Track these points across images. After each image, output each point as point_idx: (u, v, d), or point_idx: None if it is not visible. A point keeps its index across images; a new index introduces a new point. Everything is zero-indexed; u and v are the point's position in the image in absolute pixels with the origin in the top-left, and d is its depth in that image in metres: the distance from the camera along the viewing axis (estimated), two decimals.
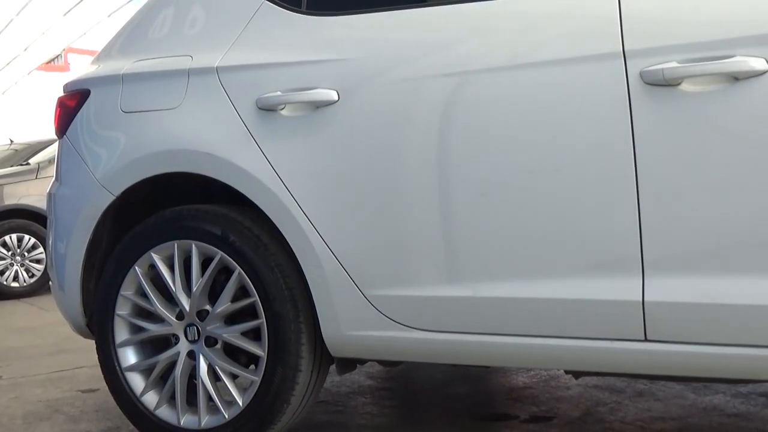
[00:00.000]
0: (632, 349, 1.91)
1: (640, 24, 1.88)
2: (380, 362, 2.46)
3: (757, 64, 1.74)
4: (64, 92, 2.82)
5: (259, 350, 2.35)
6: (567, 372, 2.18)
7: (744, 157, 1.77)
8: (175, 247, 2.45)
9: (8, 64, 21.74)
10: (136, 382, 2.56)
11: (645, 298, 1.87)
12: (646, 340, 1.89)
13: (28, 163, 7.91)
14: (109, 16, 17.12)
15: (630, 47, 1.87)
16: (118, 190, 2.54)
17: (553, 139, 1.97)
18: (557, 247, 1.97)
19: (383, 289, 2.18)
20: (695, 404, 2.68)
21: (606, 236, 1.91)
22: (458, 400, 2.99)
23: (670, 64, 1.80)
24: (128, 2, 15.33)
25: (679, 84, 1.81)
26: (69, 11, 16.99)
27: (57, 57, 24.73)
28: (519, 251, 2.02)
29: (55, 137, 2.87)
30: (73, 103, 2.76)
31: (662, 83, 1.82)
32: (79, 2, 16.27)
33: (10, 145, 10.31)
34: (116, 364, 2.58)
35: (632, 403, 2.72)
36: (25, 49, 20.26)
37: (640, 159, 1.85)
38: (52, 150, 7.86)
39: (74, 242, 2.65)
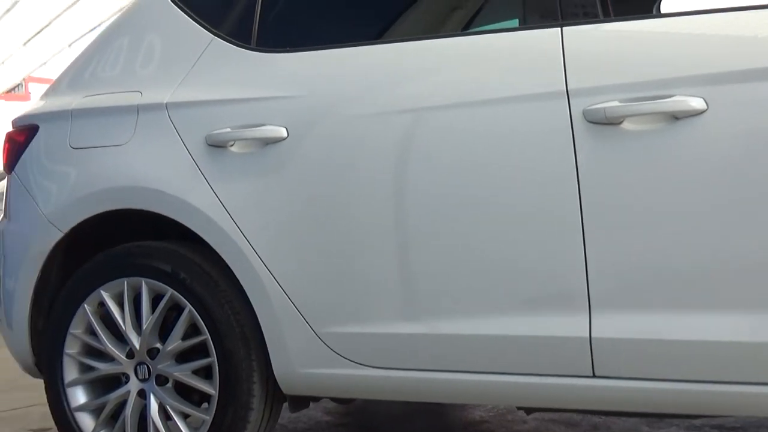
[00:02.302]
0: (581, 385, 1.92)
1: (583, 63, 1.91)
2: (334, 399, 2.44)
3: (696, 103, 1.77)
4: (13, 127, 2.78)
5: (211, 388, 2.32)
6: (519, 408, 2.18)
7: (685, 195, 1.80)
8: (125, 284, 2.42)
9: None
10: (86, 422, 2.51)
11: (592, 335, 1.88)
12: (594, 376, 1.89)
13: None
14: (69, 45, 17.01)
15: (573, 86, 1.89)
16: (67, 226, 2.51)
17: (501, 176, 1.98)
18: (507, 284, 1.98)
19: (334, 326, 2.17)
20: None
21: (553, 273, 1.92)
22: None
23: (612, 103, 1.83)
24: (89, 32, 15.25)
25: (620, 123, 1.83)
26: (29, 40, 16.85)
27: (17, 86, 24.51)
28: (470, 288, 2.03)
29: None
30: (21, 139, 2.72)
31: (604, 122, 1.84)
32: (40, 31, 16.16)
33: None
34: (65, 403, 2.53)
35: None
36: None
37: (585, 196, 1.87)
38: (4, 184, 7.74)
39: (22, 279, 2.61)
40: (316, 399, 2.41)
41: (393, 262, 2.10)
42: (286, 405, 2.41)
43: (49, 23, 15.59)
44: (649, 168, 1.82)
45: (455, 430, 2.94)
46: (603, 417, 2.91)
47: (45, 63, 18.71)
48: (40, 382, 4.24)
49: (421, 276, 2.08)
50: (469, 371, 2.04)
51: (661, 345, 1.83)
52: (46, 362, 2.58)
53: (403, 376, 2.13)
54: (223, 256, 2.29)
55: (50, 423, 3.39)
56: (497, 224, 1.98)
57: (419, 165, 2.08)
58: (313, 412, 3.30)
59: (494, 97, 2.00)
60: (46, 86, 2.98)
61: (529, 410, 2.20)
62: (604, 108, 1.83)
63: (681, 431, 2.72)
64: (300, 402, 2.40)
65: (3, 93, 23.43)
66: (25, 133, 2.71)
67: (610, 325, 1.87)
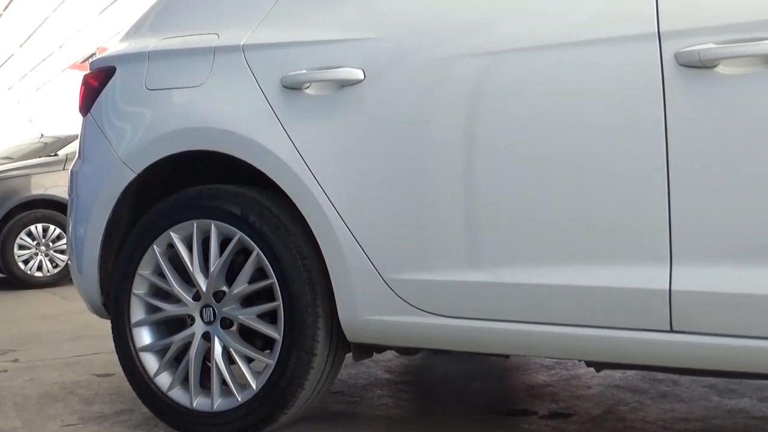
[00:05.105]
0: (657, 340, 1.84)
1: (676, 5, 1.82)
2: (398, 350, 2.40)
3: None
4: (90, 70, 2.81)
5: (275, 333, 2.31)
6: (588, 364, 2.11)
7: None
8: (194, 226, 2.42)
9: (43, 60, 21.95)
10: (150, 362, 2.53)
11: (672, 287, 1.81)
12: (671, 330, 1.82)
13: (56, 155, 7.94)
14: None
15: (665, 28, 1.81)
16: (140, 167, 2.52)
17: (583, 122, 1.91)
18: (583, 233, 1.92)
19: (403, 273, 2.14)
20: (720, 406, 2.60)
21: (634, 223, 1.85)
22: (475, 395, 2.94)
23: (706, 46, 1.74)
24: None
25: (715, 66, 1.75)
26: (105, 9, 17.12)
27: (91, 56, 24.94)
28: (543, 237, 1.96)
29: None
30: (97, 82, 2.75)
31: (698, 65, 1.76)
32: (115, 1, 16.40)
33: (40, 138, 10.41)
34: (131, 343, 2.55)
35: (655, 404, 2.65)
36: (60, 47, 20.45)
37: (672, 144, 1.79)
38: None
39: (94, 220, 2.63)
40: (380, 349, 2.38)
41: (465, 208, 2.05)
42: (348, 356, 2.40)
43: None
44: (743, 114, 1.72)
45: (517, 393, 2.89)
46: (671, 385, 2.83)
47: (118, 33, 19.02)
48: (102, 333, 4.36)
49: (493, 224, 2.02)
50: (539, 322, 1.99)
51: (745, 299, 1.75)
52: (113, 302, 2.60)
53: (469, 325, 2.08)
54: (294, 199, 2.26)
55: (113, 369, 3.46)
56: (576, 171, 1.91)
57: (496, 110, 2.01)
58: (373, 369, 3.29)
59: (580, 40, 1.91)
60: None
61: (599, 367, 2.14)
62: (698, 50, 1.74)
63: (754, 401, 2.63)
64: (364, 351, 2.37)
65: (77, 63, 23.88)
66: (101, 75, 2.74)
67: (691, 278, 1.79)
